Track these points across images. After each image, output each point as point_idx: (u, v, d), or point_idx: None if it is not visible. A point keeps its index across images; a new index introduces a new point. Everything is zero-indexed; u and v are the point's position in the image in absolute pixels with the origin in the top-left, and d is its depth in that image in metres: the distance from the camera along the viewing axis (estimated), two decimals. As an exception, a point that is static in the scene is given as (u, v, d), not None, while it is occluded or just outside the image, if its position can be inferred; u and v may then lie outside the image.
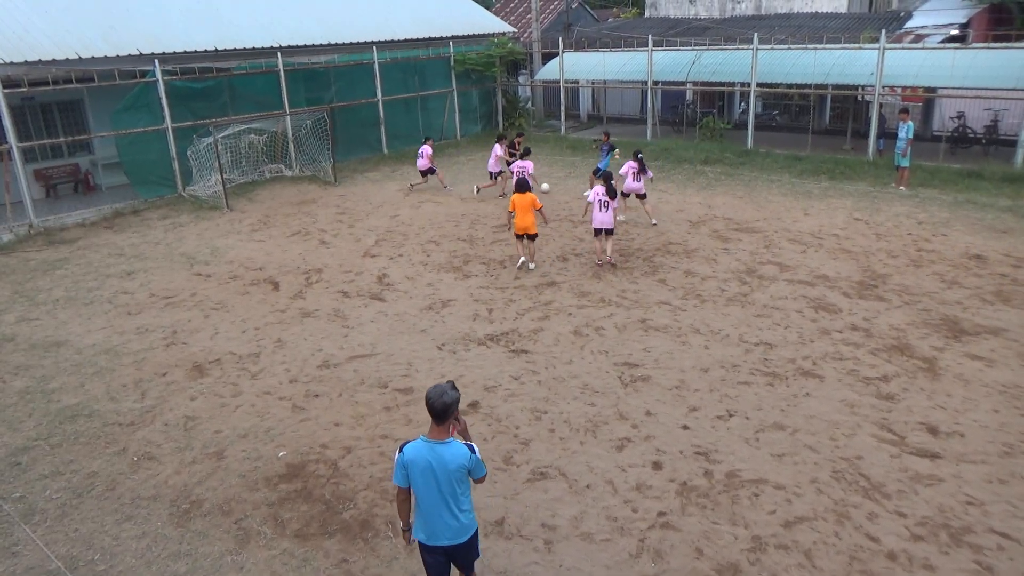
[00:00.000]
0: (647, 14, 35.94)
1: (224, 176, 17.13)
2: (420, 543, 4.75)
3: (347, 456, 7.21)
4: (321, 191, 18.36)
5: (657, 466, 6.87)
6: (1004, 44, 18.39)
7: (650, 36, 23.02)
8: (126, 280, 12.38)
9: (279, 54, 19.47)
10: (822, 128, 24.51)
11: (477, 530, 4.82)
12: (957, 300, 10.36)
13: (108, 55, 16.74)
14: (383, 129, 22.67)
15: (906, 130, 15.91)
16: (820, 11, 29.71)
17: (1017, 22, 32.54)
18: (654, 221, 14.40)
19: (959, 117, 20.76)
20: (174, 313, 10.90)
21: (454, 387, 4.49)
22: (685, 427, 7.48)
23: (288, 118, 19.44)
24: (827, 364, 8.67)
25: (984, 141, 20.33)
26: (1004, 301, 10.28)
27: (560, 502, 6.39)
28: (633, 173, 14.02)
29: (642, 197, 14.34)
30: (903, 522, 6.01)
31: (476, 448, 4.60)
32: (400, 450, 4.56)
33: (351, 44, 21.69)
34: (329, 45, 21.18)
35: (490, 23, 26.81)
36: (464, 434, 4.79)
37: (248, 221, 15.80)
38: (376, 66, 21.89)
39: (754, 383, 8.30)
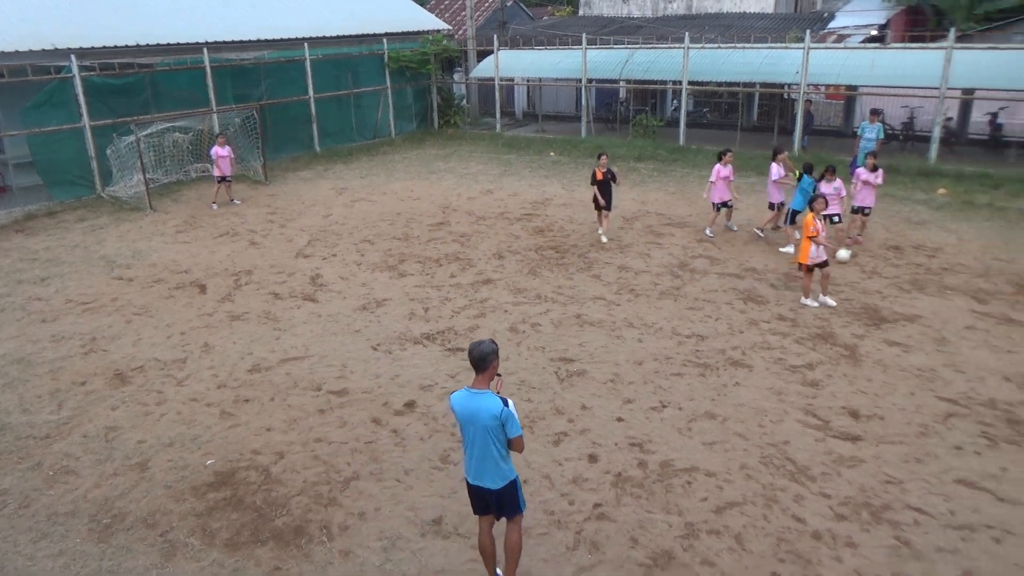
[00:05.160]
0: (581, 12, 36.29)
1: (147, 176, 16.51)
2: (467, 480, 5.19)
3: (280, 461, 7.04)
4: (251, 190, 17.90)
5: (593, 459, 6.93)
6: (920, 45, 19.26)
7: (584, 35, 23.23)
8: (40, 286, 11.79)
9: (205, 50, 18.88)
10: (750, 125, 25.20)
11: (516, 479, 5.15)
12: (876, 289, 10.79)
13: (20, 49, 15.92)
14: (315, 127, 22.25)
15: (876, 131, 16.28)
16: (748, 11, 30.55)
17: (931, 23, 34.12)
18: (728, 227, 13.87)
19: (878, 114, 21.63)
20: (93, 319, 10.44)
21: (493, 342, 4.96)
22: (620, 419, 7.57)
23: (215, 116, 18.89)
24: (756, 354, 8.90)
25: (901, 137, 21.23)
26: (919, 289, 10.75)
27: (496, 499, 6.37)
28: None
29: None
30: (827, 503, 6.22)
31: (511, 402, 4.89)
32: (451, 394, 5.09)
33: (281, 40, 21.22)
34: (258, 41, 20.66)
35: (424, 20, 26.62)
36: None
37: (173, 222, 15.27)
38: (307, 63, 21.47)
39: (686, 374, 8.46)
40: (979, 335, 9.23)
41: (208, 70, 18.95)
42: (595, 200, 13.21)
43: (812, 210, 10.12)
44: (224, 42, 19.78)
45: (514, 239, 13.61)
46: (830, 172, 12.12)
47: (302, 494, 6.55)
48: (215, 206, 16.28)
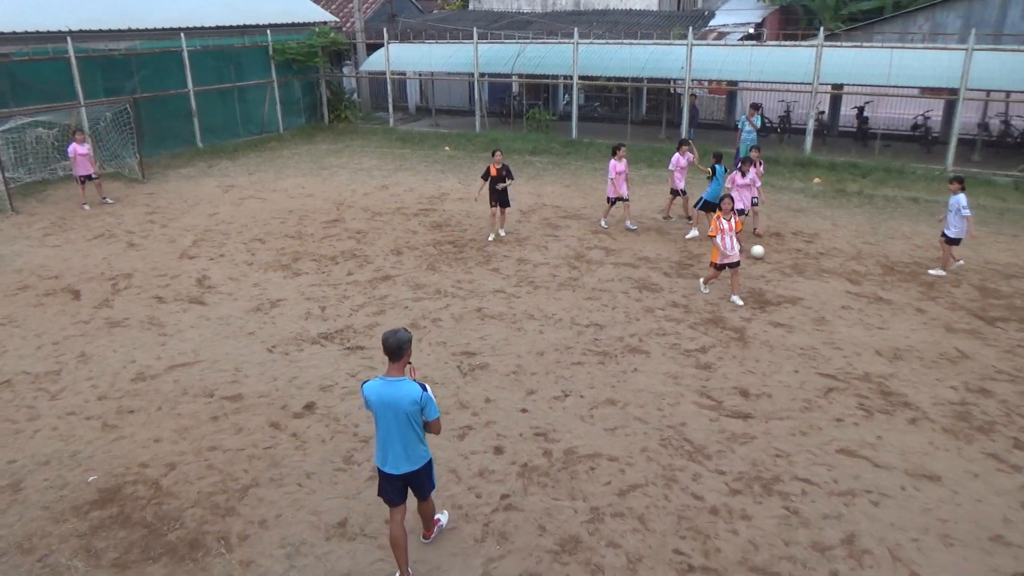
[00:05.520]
0: (471, 6, 36.23)
1: (7, 175, 15.20)
2: (379, 470, 5.21)
3: (170, 473, 6.66)
4: (127, 189, 16.84)
5: (498, 450, 6.95)
6: (792, 43, 20.40)
7: (475, 29, 23.21)
8: None
9: (69, 39, 17.58)
10: (639, 119, 25.95)
11: (431, 460, 5.33)
12: (761, 274, 11.36)
13: None
14: (196, 122, 21.19)
15: (755, 121, 17.01)
16: (634, 8, 31.39)
17: (803, 22, 36.29)
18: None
19: (758, 108, 22.77)
20: (-49, 332, 9.54)
21: (406, 330, 5.02)
22: (524, 410, 7.62)
23: (83, 109, 17.63)
24: (652, 340, 9.18)
25: (779, 130, 22.44)
26: (799, 273, 11.41)
27: (403, 497, 6.29)
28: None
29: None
30: (723, 479, 6.49)
31: (428, 387, 5.06)
32: (363, 384, 5.13)
33: (155, 30, 20.06)
34: (129, 31, 19.44)
35: (310, 12, 25.83)
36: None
37: (39, 224, 14.14)
38: (185, 54, 20.40)
39: (587, 363, 8.62)
40: (854, 314, 9.89)
41: (73, 60, 17.67)
42: (490, 198, 12.85)
43: (720, 209, 10.26)
44: (91, 31, 18.49)
45: (412, 235, 13.45)
46: (746, 164, 12.45)
47: (196, 506, 6.23)
48: (86, 207, 15.22)
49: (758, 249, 11.85)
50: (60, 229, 13.87)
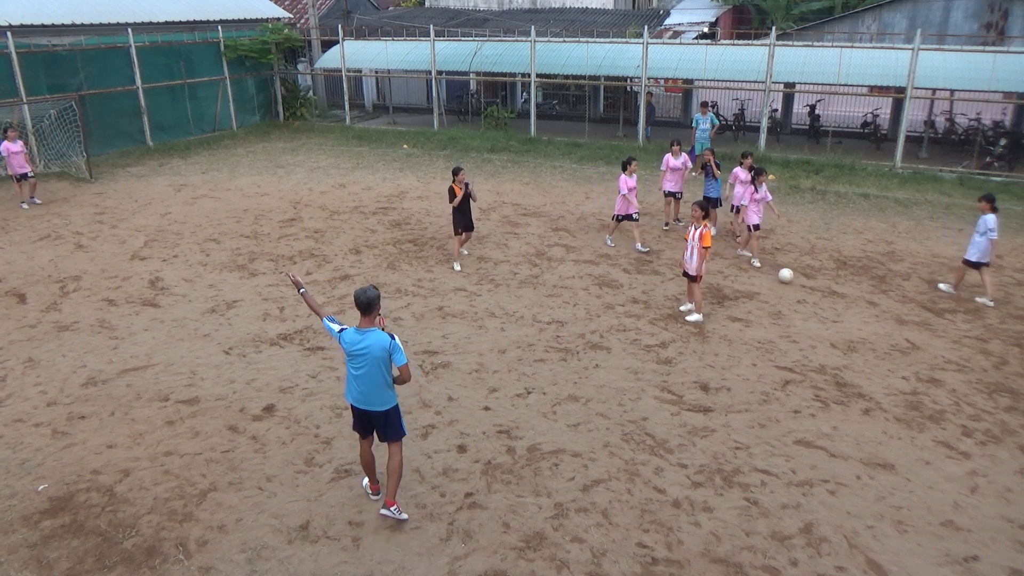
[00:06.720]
0: (427, 3, 36.03)
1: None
2: (351, 405, 5.87)
3: (125, 480, 6.49)
4: (74, 189, 16.34)
5: (462, 449, 6.92)
6: (746, 42, 20.75)
7: (431, 26, 23.08)
8: None
9: (9, 34, 16.97)
10: (597, 117, 26.13)
11: (398, 406, 5.89)
12: (719, 270, 11.52)
13: None
14: (146, 119, 20.67)
15: (709, 120, 17.18)
16: (590, 7, 31.56)
17: (755, 22, 36.96)
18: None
19: (713, 105, 23.11)
20: None
21: (375, 288, 5.70)
22: (487, 408, 7.61)
23: (25, 107, 17.04)
24: (613, 336, 9.24)
25: (734, 127, 22.81)
26: (755, 268, 11.59)
27: (366, 498, 6.23)
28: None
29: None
30: (684, 472, 6.57)
31: (396, 336, 5.66)
32: (340, 331, 5.73)
33: (101, 25, 19.46)
34: (73, 26, 18.83)
35: (262, 7, 25.38)
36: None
37: (-17, 226, 13.66)
38: (133, 50, 19.87)
39: (549, 360, 8.64)
40: (808, 308, 10.10)
41: (13, 56, 17.08)
42: (455, 223, 11.55)
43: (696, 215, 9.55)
44: (32, 26, 17.88)
45: (371, 233, 13.32)
46: (762, 175, 11.44)
47: (153, 512, 6.08)
48: (24, 205, 14.78)
49: (786, 273, 10.97)
50: (2, 231, 13.39)
